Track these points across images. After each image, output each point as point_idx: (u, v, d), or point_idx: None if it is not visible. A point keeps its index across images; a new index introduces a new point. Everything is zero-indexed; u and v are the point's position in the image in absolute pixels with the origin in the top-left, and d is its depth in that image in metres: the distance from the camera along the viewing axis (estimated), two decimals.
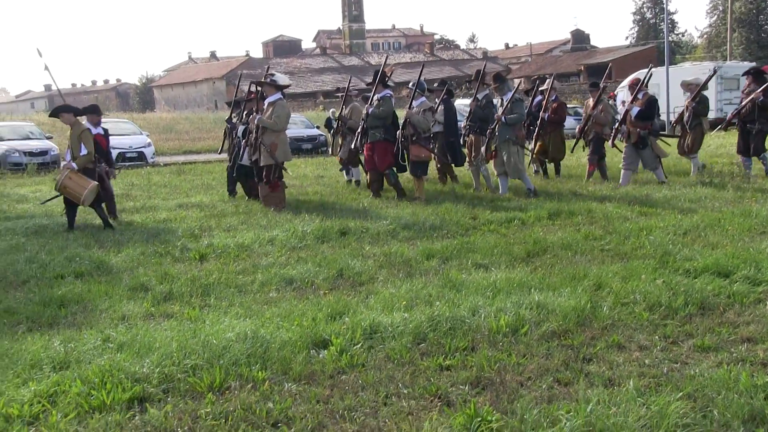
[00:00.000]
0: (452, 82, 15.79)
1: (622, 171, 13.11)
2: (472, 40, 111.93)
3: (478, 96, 13.55)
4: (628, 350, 5.05)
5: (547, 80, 15.32)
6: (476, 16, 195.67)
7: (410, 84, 12.70)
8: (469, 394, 4.44)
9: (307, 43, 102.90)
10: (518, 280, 6.73)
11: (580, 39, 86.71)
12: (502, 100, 12.74)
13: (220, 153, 15.82)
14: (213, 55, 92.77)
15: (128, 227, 10.78)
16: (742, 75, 14.17)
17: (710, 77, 13.87)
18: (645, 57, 65.44)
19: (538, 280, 6.71)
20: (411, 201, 11.90)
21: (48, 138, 25.31)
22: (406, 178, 13.43)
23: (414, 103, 12.34)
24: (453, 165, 14.13)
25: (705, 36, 77.18)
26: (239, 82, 15.77)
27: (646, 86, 13.37)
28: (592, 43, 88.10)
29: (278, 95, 11.79)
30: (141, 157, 24.74)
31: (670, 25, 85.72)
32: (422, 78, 12.51)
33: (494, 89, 12.99)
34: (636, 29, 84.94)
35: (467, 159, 13.72)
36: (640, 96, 13.09)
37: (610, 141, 13.69)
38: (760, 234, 8.51)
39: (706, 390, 4.29)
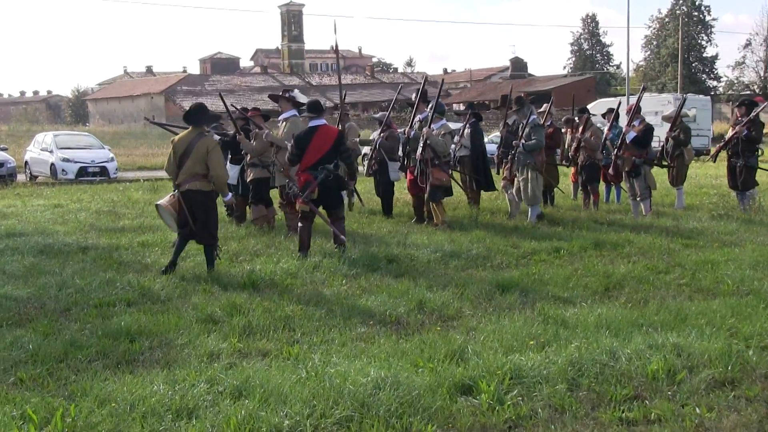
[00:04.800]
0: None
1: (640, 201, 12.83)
2: (409, 64, 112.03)
3: (507, 121, 13.24)
4: None
5: (544, 105, 15.00)
6: (412, 41, 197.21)
7: (428, 107, 12.18)
8: None
9: (245, 62, 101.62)
10: (623, 317, 6.33)
11: (518, 67, 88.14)
12: (521, 125, 12.37)
13: None
14: (149, 69, 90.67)
15: (141, 248, 9.98)
16: (737, 106, 13.88)
17: (681, 106, 13.77)
18: (584, 86, 66.86)
19: (646, 318, 6.32)
20: (433, 227, 11.39)
21: (3, 149, 23.87)
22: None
23: (433, 126, 11.80)
24: (482, 191, 13.63)
25: (640, 69, 79.35)
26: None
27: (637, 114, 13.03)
28: (530, 71, 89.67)
29: (293, 112, 11.20)
30: (104, 172, 23.26)
31: (605, 57, 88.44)
32: (395, 100, 11.97)
33: (514, 113, 12.62)
34: (573, 59, 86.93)
35: (502, 185, 13.26)
36: (636, 123, 12.82)
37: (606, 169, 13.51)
38: None
39: None
